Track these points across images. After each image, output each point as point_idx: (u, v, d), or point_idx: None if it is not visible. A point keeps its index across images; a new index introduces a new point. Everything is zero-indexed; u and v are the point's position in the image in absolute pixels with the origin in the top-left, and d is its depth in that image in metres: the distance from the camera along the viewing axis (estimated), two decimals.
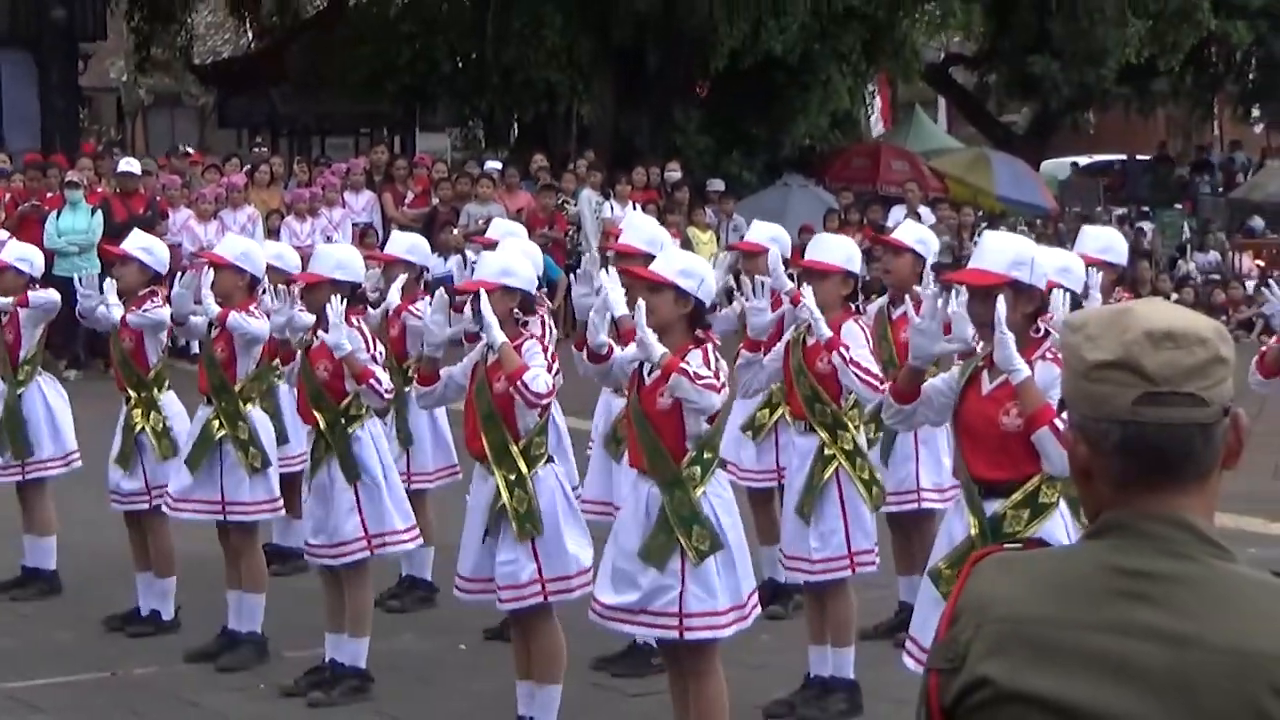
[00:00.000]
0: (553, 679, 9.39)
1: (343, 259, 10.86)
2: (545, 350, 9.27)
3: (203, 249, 19.17)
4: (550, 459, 9.60)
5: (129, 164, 25.88)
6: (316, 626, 10.87)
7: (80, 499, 12.15)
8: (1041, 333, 7.82)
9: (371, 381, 10.03)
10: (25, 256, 13.01)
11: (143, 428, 11.80)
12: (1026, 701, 3.07)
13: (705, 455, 8.67)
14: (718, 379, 8.47)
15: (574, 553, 9.30)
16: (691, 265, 8.91)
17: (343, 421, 10.49)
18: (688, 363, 8.39)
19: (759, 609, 9.11)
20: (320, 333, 10.31)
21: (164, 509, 11.40)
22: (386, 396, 10.35)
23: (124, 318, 11.79)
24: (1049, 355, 7.66)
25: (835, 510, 10.01)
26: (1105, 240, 11.02)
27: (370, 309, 11.87)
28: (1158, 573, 3.07)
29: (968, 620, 3.18)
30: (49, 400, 12.78)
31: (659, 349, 8.43)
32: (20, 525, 12.83)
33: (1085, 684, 3.04)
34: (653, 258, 10.30)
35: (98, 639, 11.74)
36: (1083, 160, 48.94)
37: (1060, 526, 7.65)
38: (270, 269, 11.50)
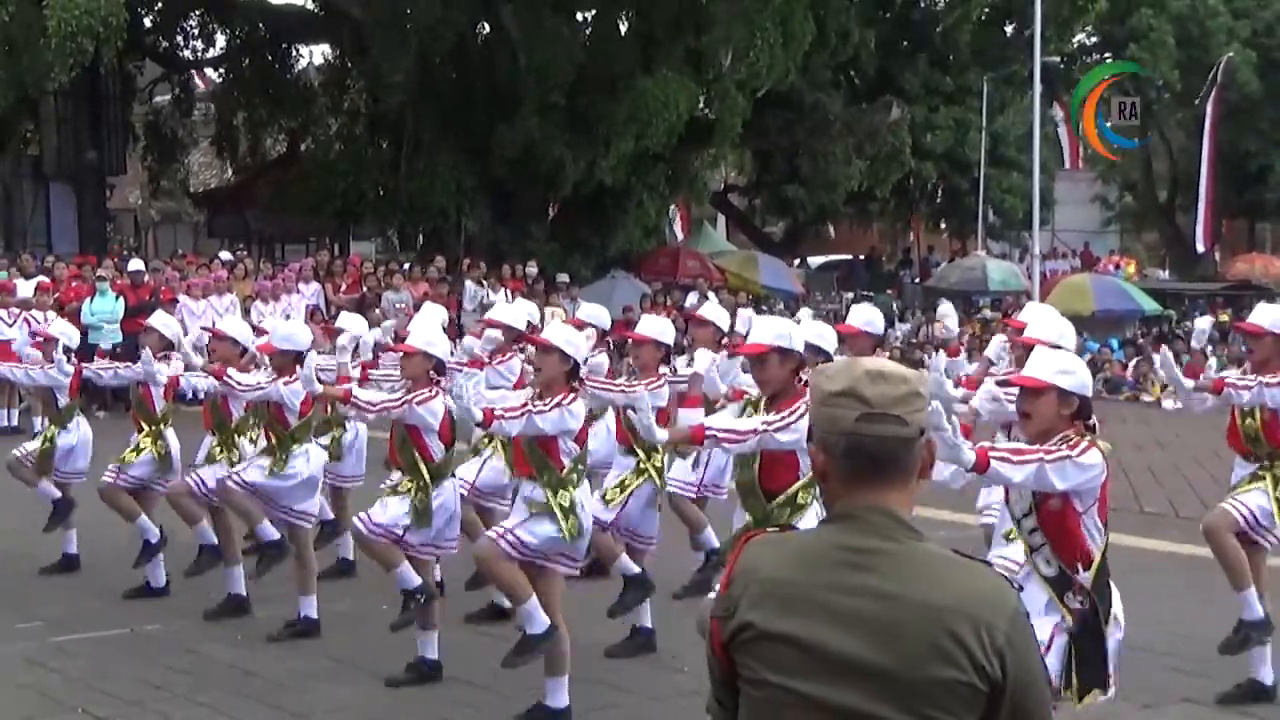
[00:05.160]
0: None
1: (288, 333, 10.88)
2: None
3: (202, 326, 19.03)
4: (453, 474, 9.59)
5: (136, 264, 25.76)
6: (280, 596, 10.88)
7: (99, 502, 11.97)
8: (803, 382, 7.81)
9: (353, 400, 9.52)
10: (66, 331, 12.83)
11: (149, 450, 11.67)
12: (778, 639, 3.15)
13: (579, 466, 8.68)
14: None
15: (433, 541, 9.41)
16: (572, 335, 8.86)
17: (290, 440, 10.54)
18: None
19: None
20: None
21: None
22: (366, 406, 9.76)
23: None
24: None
25: (639, 506, 10.15)
26: (868, 315, 10.84)
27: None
28: (872, 549, 3.14)
29: (739, 582, 3.24)
30: (83, 434, 12.56)
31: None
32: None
33: (819, 626, 3.12)
34: (518, 330, 10.34)
35: (119, 604, 11.55)
36: (820, 259, 49.46)
37: (814, 518, 7.63)
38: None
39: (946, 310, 11.99)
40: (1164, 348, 10.02)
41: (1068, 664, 6.40)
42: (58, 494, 12.51)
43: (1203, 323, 10.65)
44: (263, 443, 10.96)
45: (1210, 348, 10.16)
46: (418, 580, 9.38)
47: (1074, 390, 6.47)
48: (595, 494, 10.00)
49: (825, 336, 9.04)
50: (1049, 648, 6.31)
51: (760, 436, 7.50)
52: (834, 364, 3.35)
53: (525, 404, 8.62)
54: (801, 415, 7.41)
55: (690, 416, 7.88)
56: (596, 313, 12.11)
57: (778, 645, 3.15)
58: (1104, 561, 6.54)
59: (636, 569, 10.03)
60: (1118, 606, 6.62)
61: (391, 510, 9.25)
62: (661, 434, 7.82)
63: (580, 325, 11.38)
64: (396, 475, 9.57)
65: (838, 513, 3.24)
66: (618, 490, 10.10)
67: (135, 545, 11.88)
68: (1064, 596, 6.46)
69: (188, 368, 11.57)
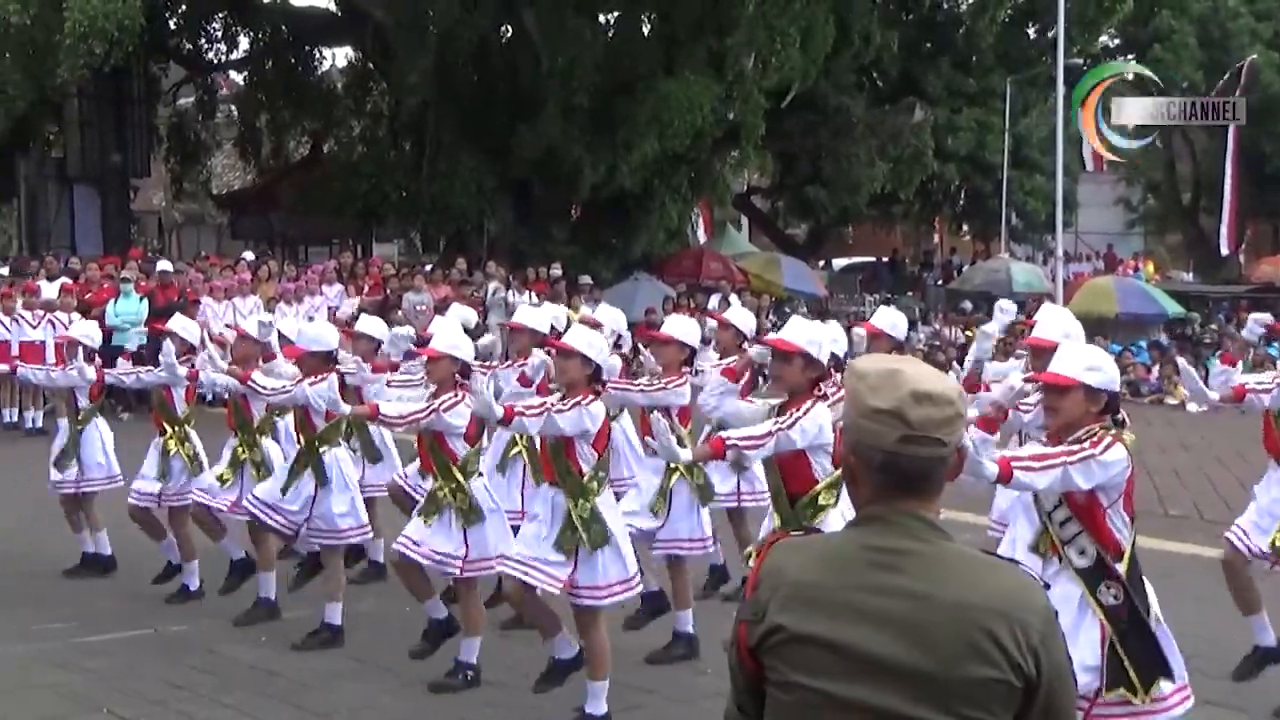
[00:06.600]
0: (470, 631, 9.35)
1: (316, 334, 10.79)
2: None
3: (226, 326, 19.01)
4: (480, 474, 9.53)
5: (165, 265, 25.99)
6: (307, 597, 10.86)
7: (122, 505, 12.00)
8: (820, 392, 7.86)
9: (382, 416, 9.40)
10: (88, 333, 12.80)
11: (177, 453, 11.65)
12: (809, 641, 3.14)
13: (600, 474, 8.60)
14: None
15: (494, 542, 9.23)
16: (594, 339, 8.78)
17: (315, 444, 10.47)
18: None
19: (641, 585, 9.00)
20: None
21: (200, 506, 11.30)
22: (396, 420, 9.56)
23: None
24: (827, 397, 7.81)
25: (680, 509, 10.11)
26: (891, 319, 10.70)
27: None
28: (902, 549, 3.14)
29: (766, 586, 3.23)
30: (102, 436, 12.54)
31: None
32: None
33: (850, 628, 3.11)
34: (541, 334, 10.32)
35: (143, 605, 11.57)
36: (844, 261, 49.43)
37: (837, 519, 7.62)
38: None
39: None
40: (1181, 360, 9.97)
41: (1116, 664, 6.35)
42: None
43: (1261, 316, 10.52)
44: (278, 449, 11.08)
45: (1261, 345, 10.01)
46: (445, 612, 9.48)
47: (1101, 387, 6.44)
48: (635, 503, 9.99)
49: (837, 340, 9.07)
50: (1103, 648, 6.30)
51: (775, 438, 7.56)
52: (876, 369, 3.25)
53: (545, 403, 8.60)
54: (808, 412, 7.59)
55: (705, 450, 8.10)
56: (613, 315, 12.05)
57: (809, 648, 3.14)
58: (1135, 555, 6.50)
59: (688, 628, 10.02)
60: (1155, 604, 6.57)
61: (445, 537, 9.19)
62: (685, 454, 7.92)
63: (596, 324, 11.32)
64: (414, 468, 9.51)
65: (866, 515, 3.24)
66: (661, 499, 10.06)
67: (159, 546, 11.96)
68: (1097, 590, 6.41)
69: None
